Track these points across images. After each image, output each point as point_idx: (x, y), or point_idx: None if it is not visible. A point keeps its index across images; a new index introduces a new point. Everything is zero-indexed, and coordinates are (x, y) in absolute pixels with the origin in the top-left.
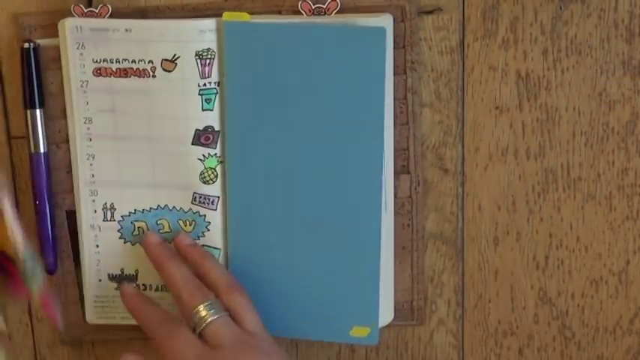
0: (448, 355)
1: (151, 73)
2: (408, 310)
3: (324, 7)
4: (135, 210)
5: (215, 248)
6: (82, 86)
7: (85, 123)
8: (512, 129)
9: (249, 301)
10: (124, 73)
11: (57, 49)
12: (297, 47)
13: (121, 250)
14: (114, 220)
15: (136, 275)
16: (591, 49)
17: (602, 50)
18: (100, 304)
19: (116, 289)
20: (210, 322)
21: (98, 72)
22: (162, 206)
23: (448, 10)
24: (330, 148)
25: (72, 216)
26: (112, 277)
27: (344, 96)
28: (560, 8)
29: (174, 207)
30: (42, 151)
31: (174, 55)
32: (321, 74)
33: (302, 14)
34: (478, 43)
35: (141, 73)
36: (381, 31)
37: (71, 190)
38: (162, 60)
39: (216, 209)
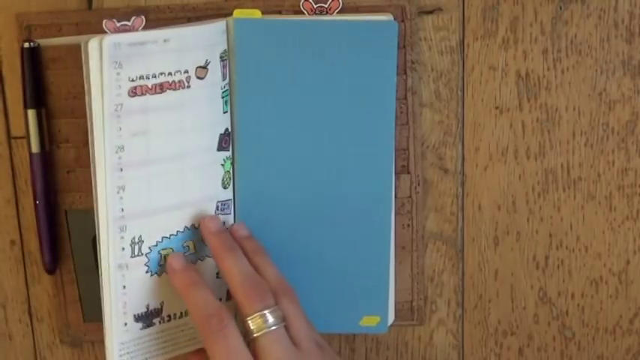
0: (448, 355)
1: (186, 84)
2: (408, 310)
3: (326, 6)
4: (162, 238)
5: None
6: (116, 110)
7: (116, 152)
8: (512, 129)
9: (299, 305)
10: (160, 88)
11: (57, 49)
12: (309, 43)
13: (147, 285)
14: (141, 254)
15: (161, 308)
16: (591, 49)
17: (602, 50)
18: (126, 351)
19: (141, 329)
20: (264, 334)
21: (134, 91)
22: (189, 226)
23: (448, 10)
24: (341, 141)
25: (72, 216)
26: (137, 318)
27: (356, 90)
28: (560, 8)
29: (199, 225)
30: (42, 151)
31: (207, 61)
32: (333, 69)
33: (302, 14)
34: (478, 43)
35: (176, 85)
36: (393, 24)
37: (71, 190)
38: (197, 67)
39: (230, 213)
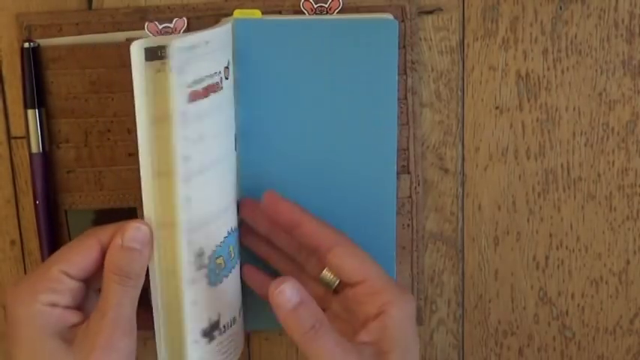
0: (448, 355)
1: (220, 85)
2: None
3: (326, 6)
4: (215, 246)
5: None
6: (182, 120)
7: (184, 162)
8: (512, 129)
9: None
10: (206, 91)
11: (57, 49)
12: (309, 43)
13: (208, 297)
14: (204, 267)
15: (219, 319)
16: (591, 49)
17: (602, 50)
18: None
19: (207, 344)
20: None
21: (192, 97)
22: (230, 231)
23: (448, 10)
24: (343, 141)
25: (72, 216)
26: (203, 333)
27: (357, 89)
28: (560, 8)
29: (232, 228)
30: (42, 151)
31: (228, 61)
32: (334, 68)
33: (303, 14)
34: (478, 43)
35: (215, 88)
36: (394, 23)
37: (71, 190)
38: (224, 68)
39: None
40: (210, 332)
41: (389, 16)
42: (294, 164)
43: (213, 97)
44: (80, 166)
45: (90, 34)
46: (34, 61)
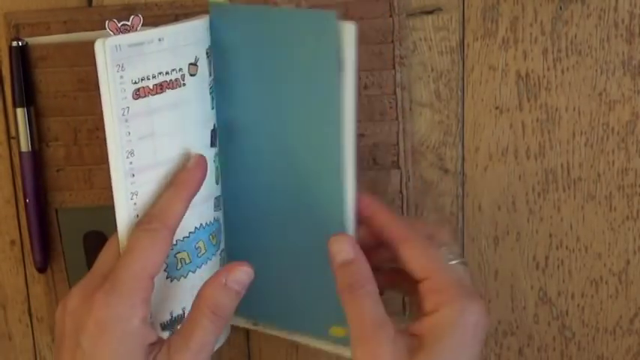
0: None
1: (182, 82)
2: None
3: None
4: (176, 241)
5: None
6: (123, 115)
7: (127, 157)
8: (512, 129)
9: None
10: (160, 88)
11: (45, 47)
12: (266, 32)
13: (169, 291)
14: None
15: (184, 313)
16: (591, 49)
17: (602, 50)
18: None
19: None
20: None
21: (137, 94)
22: (198, 227)
23: (448, 10)
24: (297, 140)
25: (62, 214)
26: (164, 326)
27: (302, 83)
28: (560, 8)
29: (205, 223)
30: (31, 149)
31: (196, 57)
32: (283, 60)
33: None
34: (478, 43)
35: (173, 84)
36: (332, 15)
37: (61, 188)
38: (189, 64)
39: (221, 208)
40: (171, 326)
41: (332, 12)
42: (261, 158)
43: (170, 93)
44: (70, 164)
45: (78, 32)
46: (22, 60)
